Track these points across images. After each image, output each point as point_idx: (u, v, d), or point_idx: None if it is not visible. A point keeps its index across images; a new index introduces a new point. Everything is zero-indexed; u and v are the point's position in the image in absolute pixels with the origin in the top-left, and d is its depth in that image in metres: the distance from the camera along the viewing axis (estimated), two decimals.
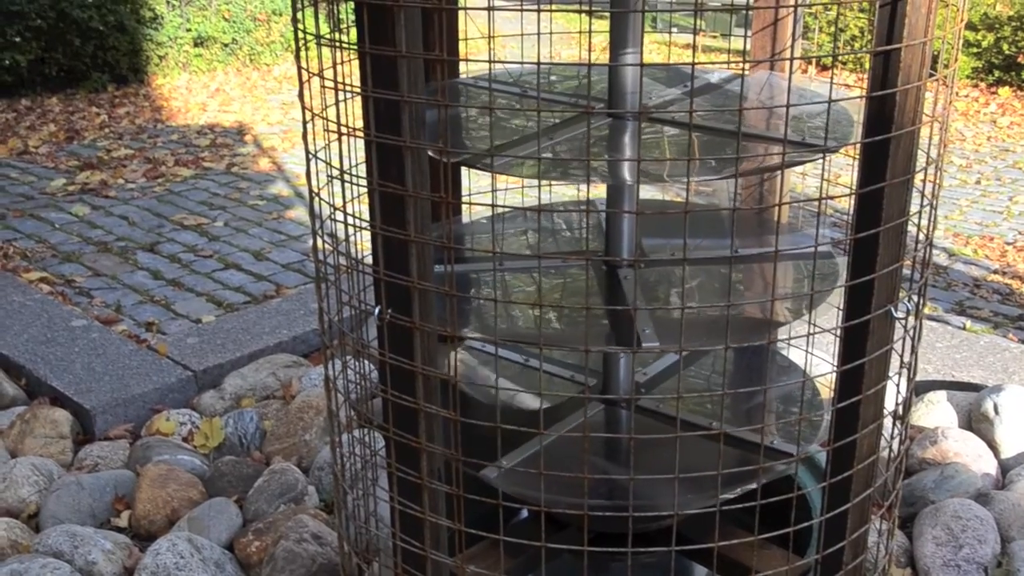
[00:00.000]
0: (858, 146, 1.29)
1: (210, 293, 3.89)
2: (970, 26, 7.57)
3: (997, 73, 7.60)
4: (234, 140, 6.19)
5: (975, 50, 7.63)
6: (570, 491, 1.42)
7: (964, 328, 3.46)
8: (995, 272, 4.25)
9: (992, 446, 2.50)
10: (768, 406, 1.70)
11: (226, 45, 8.04)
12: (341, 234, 1.45)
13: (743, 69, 1.59)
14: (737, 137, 1.34)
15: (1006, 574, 2.07)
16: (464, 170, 1.79)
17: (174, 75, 7.73)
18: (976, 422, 2.57)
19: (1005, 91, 7.48)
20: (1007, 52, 7.50)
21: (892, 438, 1.55)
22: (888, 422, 1.49)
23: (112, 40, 7.27)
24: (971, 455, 2.43)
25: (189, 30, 7.79)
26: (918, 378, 1.75)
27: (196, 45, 7.87)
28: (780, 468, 1.52)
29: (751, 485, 1.43)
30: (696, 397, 1.73)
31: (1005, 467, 2.47)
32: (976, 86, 7.66)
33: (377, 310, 1.33)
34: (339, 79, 1.33)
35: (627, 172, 1.39)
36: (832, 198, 1.36)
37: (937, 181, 1.42)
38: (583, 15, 1.48)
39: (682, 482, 1.34)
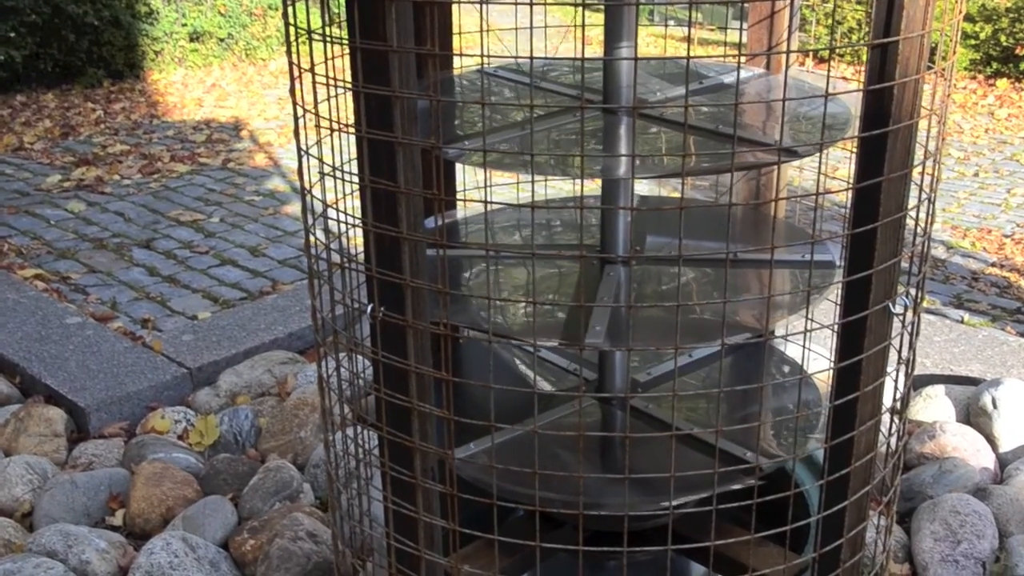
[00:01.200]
0: (856, 140, 1.27)
1: (206, 290, 3.88)
2: (968, 18, 7.55)
3: (995, 65, 7.58)
4: (230, 136, 6.17)
5: (973, 42, 7.61)
6: (527, 483, 1.41)
7: (962, 321, 3.45)
8: (993, 265, 4.24)
9: (990, 440, 2.49)
10: (762, 416, 1.68)
11: (222, 40, 8.01)
12: (334, 231, 1.43)
13: (738, 62, 1.57)
14: (733, 137, 1.33)
15: (1004, 569, 2.06)
16: (458, 165, 1.78)
17: (170, 70, 7.70)
18: (974, 416, 2.56)
19: (1003, 83, 7.46)
20: (1005, 44, 7.48)
21: (890, 434, 1.54)
22: (886, 418, 1.47)
23: (107, 35, 7.25)
24: (969, 449, 2.42)
25: (185, 25, 7.76)
26: (916, 372, 1.74)
27: (192, 40, 7.84)
28: (751, 481, 1.50)
29: (707, 492, 1.41)
30: (690, 403, 1.71)
31: (1003, 461, 2.46)
32: (974, 78, 7.64)
33: (370, 308, 1.31)
34: (332, 74, 1.31)
35: (621, 167, 1.38)
36: (830, 192, 1.35)
37: (935, 175, 1.41)
38: (578, 8, 1.46)
39: (637, 483, 1.33)
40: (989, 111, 6.93)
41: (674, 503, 1.40)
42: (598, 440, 1.60)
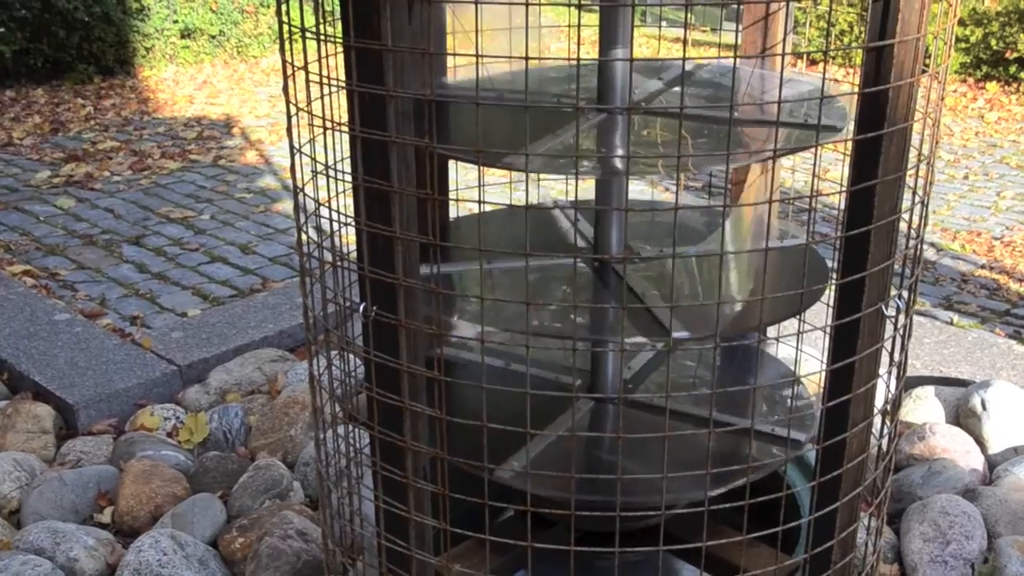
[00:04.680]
0: (850, 143, 1.28)
1: (196, 287, 3.86)
2: (959, 21, 7.57)
3: (985, 68, 7.60)
4: (221, 133, 6.15)
5: (963, 45, 7.64)
6: (574, 488, 1.41)
7: (952, 323, 3.46)
8: (982, 267, 4.25)
9: (979, 441, 2.50)
10: (757, 398, 1.68)
11: (213, 37, 7.99)
12: (326, 229, 1.43)
13: (734, 63, 1.58)
14: (729, 127, 1.33)
15: (992, 570, 2.07)
16: (451, 165, 1.77)
17: (161, 67, 7.68)
18: (964, 417, 2.57)
19: (993, 86, 7.49)
20: (995, 47, 7.51)
21: (881, 436, 1.54)
22: (877, 419, 1.48)
23: (98, 31, 7.22)
24: (959, 451, 2.43)
25: (176, 21, 7.73)
26: (906, 373, 1.74)
27: (183, 37, 7.82)
28: (773, 461, 1.51)
29: (740, 480, 1.42)
30: (683, 387, 1.72)
31: (992, 463, 2.47)
32: (964, 81, 7.67)
33: (362, 307, 1.31)
34: (325, 72, 1.31)
35: (617, 166, 1.37)
36: (823, 195, 1.35)
37: (928, 178, 1.41)
38: (572, 8, 1.46)
39: (672, 470, 1.33)
40: (979, 114, 6.96)
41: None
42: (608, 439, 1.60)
